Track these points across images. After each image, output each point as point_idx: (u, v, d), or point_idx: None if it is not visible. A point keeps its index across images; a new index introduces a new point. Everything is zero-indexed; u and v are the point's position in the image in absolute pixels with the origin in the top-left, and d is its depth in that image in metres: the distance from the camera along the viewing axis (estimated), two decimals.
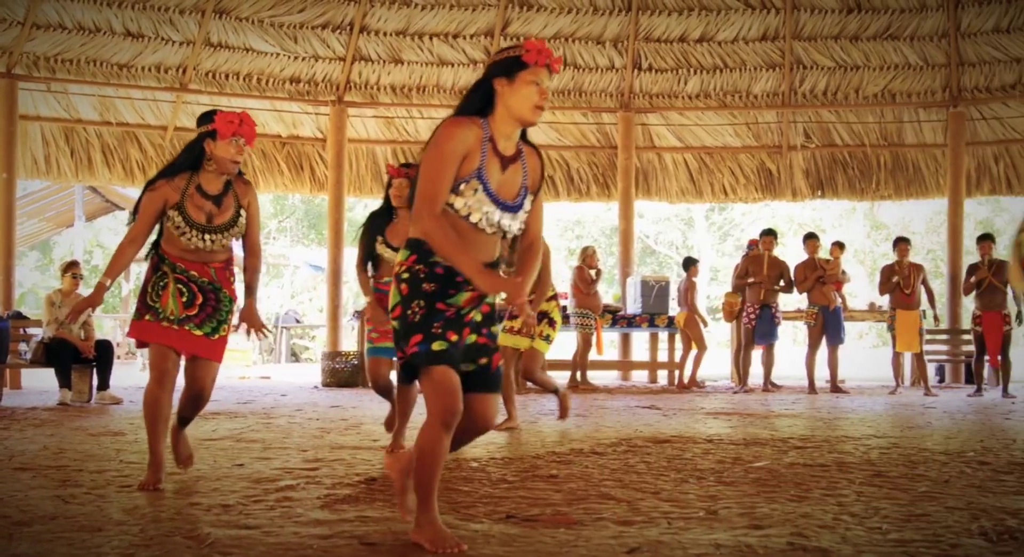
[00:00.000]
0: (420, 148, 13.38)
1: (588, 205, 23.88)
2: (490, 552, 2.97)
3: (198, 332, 4.24)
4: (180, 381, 4.28)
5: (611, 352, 16.79)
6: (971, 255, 12.04)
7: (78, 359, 9.04)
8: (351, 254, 6.33)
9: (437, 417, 2.97)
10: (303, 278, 27.43)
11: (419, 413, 4.37)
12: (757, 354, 11.59)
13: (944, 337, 12.85)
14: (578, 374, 11.72)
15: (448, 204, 3.02)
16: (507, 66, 3.08)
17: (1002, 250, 11.10)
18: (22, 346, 9.77)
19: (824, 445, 5.71)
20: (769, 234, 11.44)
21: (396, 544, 3.07)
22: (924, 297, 11.15)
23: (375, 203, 5.78)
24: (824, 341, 11.12)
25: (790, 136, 14.18)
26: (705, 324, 12.12)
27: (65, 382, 8.92)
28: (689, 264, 12.39)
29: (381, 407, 7.05)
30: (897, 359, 11.45)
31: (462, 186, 3.02)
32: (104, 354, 9.12)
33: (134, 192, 11.92)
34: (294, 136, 13.97)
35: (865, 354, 23.17)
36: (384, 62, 13.65)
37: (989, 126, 13.75)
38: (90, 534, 3.19)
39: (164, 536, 3.17)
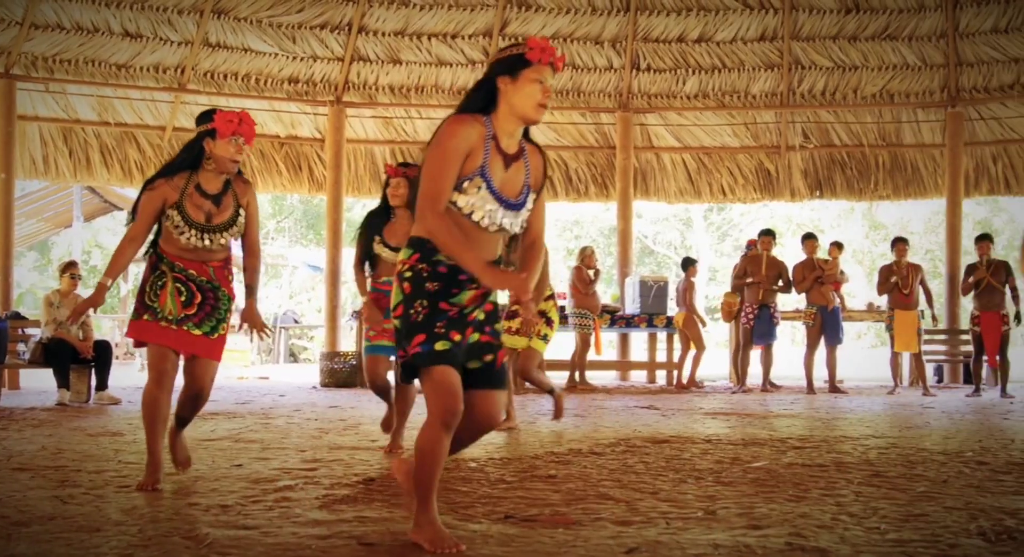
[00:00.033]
0: (420, 148, 13.24)
1: (586, 205, 23.91)
2: (488, 552, 2.97)
3: (197, 331, 4.24)
4: (179, 381, 4.27)
5: (609, 352, 16.79)
6: (969, 255, 12.05)
7: (76, 359, 9.04)
8: (350, 254, 6.32)
9: (437, 417, 2.97)
10: (301, 278, 27.43)
11: (418, 413, 4.38)
12: (756, 354, 11.60)
13: (942, 337, 12.85)
14: (576, 374, 11.72)
15: (451, 202, 3.02)
16: (510, 64, 3.07)
17: (1000, 250, 11.12)
18: (20, 346, 9.76)
19: (822, 445, 5.71)
20: (768, 234, 11.45)
21: (395, 544, 3.07)
22: (922, 297, 11.15)
23: (373, 203, 5.77)
24: (823, 341, 11.13)
25: (788, 136, 14.18)
26: (704, 324, 12.13)
27: (63, 382, 8.91)
28: (688, 264, 12.40)
29: (379, 407, 7.04)
30: (895, 359, 11.46)
31: (465, 184, 3.01)
32: (102, 354, 9.11)
33: (132, 192, 11.88)
34: (292, 136, 13.97)
35: (863, 354, 23.18)
36: (382, 62, 13.65)
37: (987, 126, 13.76)
38: (88, 534, 3.19)
39: (162, 536, 3.17)
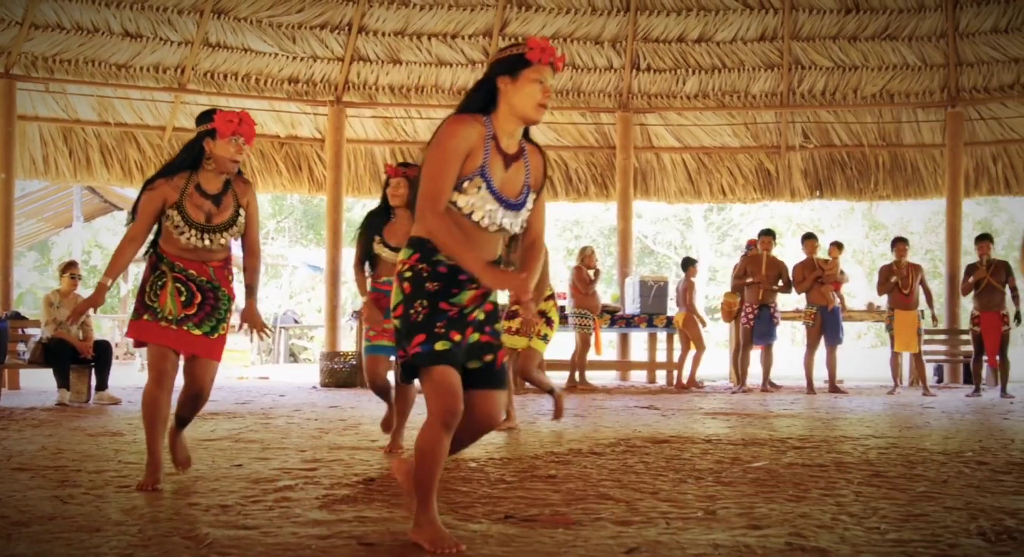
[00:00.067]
0: (420, 148, 13.22)
1: (586, 205, 23.91)
2: (488, 552, 2.97)
3: (197, 331, 4.24)
4: (179, 381, 4.27)
5: (609, 352, 16.80)
6: (969, 255, 12.05)
7: (76, 359, 9.04)
8: (350, 254, 6.32)
9: (437, 417, 2.97)
10: (301, 278, 27.43)
11: (418, 413, 4.38)
12: (756, 354, 11.60)
13: (942, 337, 12.86)
14: (577, 374, 11.72)
15: (451, 202, 3.02)
16: (510, 64, 3.07)
17: (1000, 250, 11.12)
18: (20, 346, 9.76)
19: (822, 445, 5.71)
20: (767, 234, 11.45)
21: (394, 544, 3.07)
22: (922, 297, 11.15)
23: (373, 203, 5.77)
24: (823, 341, 11.13)
25: (788, 136, 14.18)
26: (704, 324, 12.13)
27: (63, 382, 8.91)
28: (688, 264, 12.40)
29: (379, 407, 7.04)
30: (895, 359, 11.45)
31: (465, 184, 3.01)
32: (102, 354, 9.11)
33: (132, 192, 11.89)
34: (292, 136, 13.97)
35: (863, 354, 23.18)
36: (382, 62, 13.65)
37: (987, 126, 13.76)
38: (88, 534, 3.19)
39: (162, 536, 3.17)
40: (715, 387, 12.07)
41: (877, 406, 9.12)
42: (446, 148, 3.00)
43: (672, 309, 12.58)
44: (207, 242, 4.24)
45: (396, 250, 5.29)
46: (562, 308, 11.28)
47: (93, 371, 9.13)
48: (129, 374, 13.60)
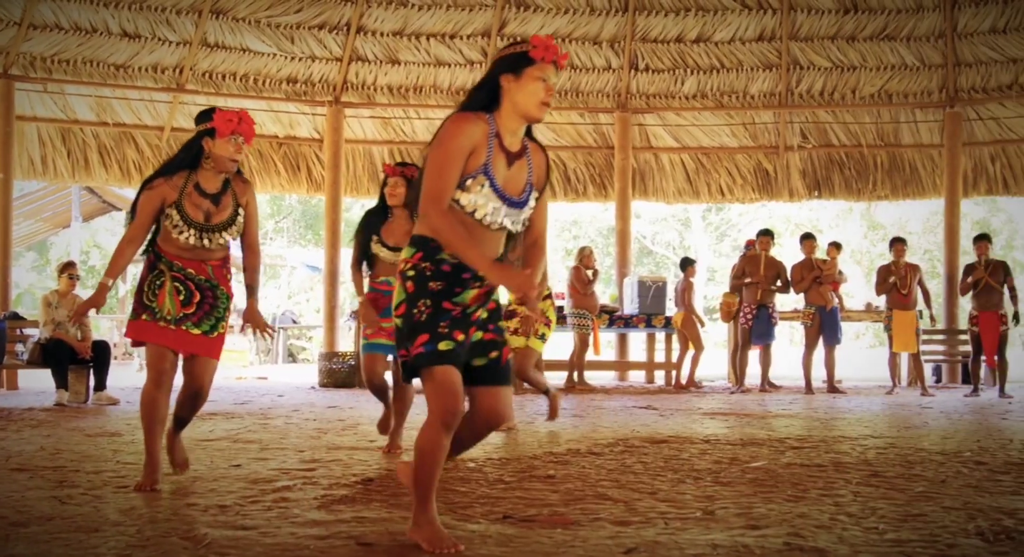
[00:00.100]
0: (419, 148, 13.23)
1: (585, 205, 23.91)
2: (487, 552, 2.97)
3: (196, 330, 4.23)
4: (178, 380, 4.27)
5: (608, 352, 16.79)
6: (968, 255, 12.07)
7: (75, 360, 9.03)
8: (348, 255, 6.31)
9: (438, 417, 2.96)
10: (300, 279, 27.42)
11: (417, 413, 4.38)
12: (754, 354, 11.60)
13: (941, 337, 12.86)
14: (575, 375, 11.72)
15: (454, 200, 3.02)
16: (513, 62, 3.07)
17: (999, 250, 11.14)
18: (19, 347, 9.76)
19: (821, 445, 5.71)
20: (766, 234, 11.46)
21: (393, 545, 3.07)
22: (921, 297, 11.16)
23: (372, 203, 5.75)
24: (821, 341, 11.13)
25: (787, 136, 14.19)
26: (702, 324, 12.13)
27: (62, 383, 8.90)
28: (686, 264, 12.40)
29: (377, 408, 7.03)
30: (894, 359, 11.46)
31: (468, 182, 3.01)
32: (101, 355, 9.10)
33: (131, 192, 11.90)
34: (291, 136, 13.97)
35: (862, 354, 23.19)
36: (381, 62, 13.65)
37: (986, 126, 13.77)
38: (87, 535, 3.18)
39: (161, 537, 3.17)
40: (713, 387, 12.07)
41: (875, 406, 9.12)
42: (449, 146, 3.00)
43: (671, 309, 12.58)
44: (206, 241, 4.23)
45: (394, 250, 5.28)
46: (560, 308, 11.27)
47: (91, 371, 9.13)
48: (127, 374, 13.60)
